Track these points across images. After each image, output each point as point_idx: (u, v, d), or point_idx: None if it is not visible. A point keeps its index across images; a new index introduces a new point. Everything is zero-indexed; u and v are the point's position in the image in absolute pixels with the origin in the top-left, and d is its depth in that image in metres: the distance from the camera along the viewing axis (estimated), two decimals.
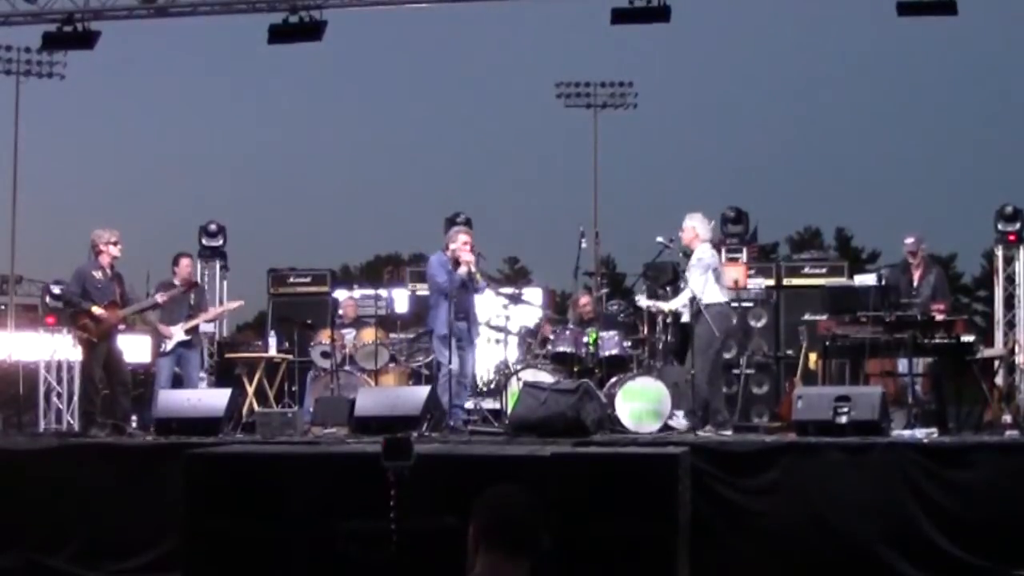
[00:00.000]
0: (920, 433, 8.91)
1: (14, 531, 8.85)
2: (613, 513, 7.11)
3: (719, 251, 13.57)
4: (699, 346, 9.72)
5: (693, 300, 9.70)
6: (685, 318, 10.43)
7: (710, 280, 9.69)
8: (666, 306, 10.46)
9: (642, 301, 10.80)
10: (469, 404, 10.56)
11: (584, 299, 12.42)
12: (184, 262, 11.74)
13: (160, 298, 11.04)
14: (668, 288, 11.35)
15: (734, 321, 9.76)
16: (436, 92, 63.01)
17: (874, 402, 8.64)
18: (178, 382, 11.49)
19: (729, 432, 9.52)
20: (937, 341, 9.86)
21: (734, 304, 12.59)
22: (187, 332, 11.46)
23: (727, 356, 12.51)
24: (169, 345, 11.42)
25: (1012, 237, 13.43)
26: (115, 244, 10.49)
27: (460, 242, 10.40)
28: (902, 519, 7.95)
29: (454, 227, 11.25)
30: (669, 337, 10.96)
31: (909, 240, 11.10)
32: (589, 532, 7.04)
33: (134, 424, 10.82)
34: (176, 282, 11.52)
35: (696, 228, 9.94)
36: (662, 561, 7.12)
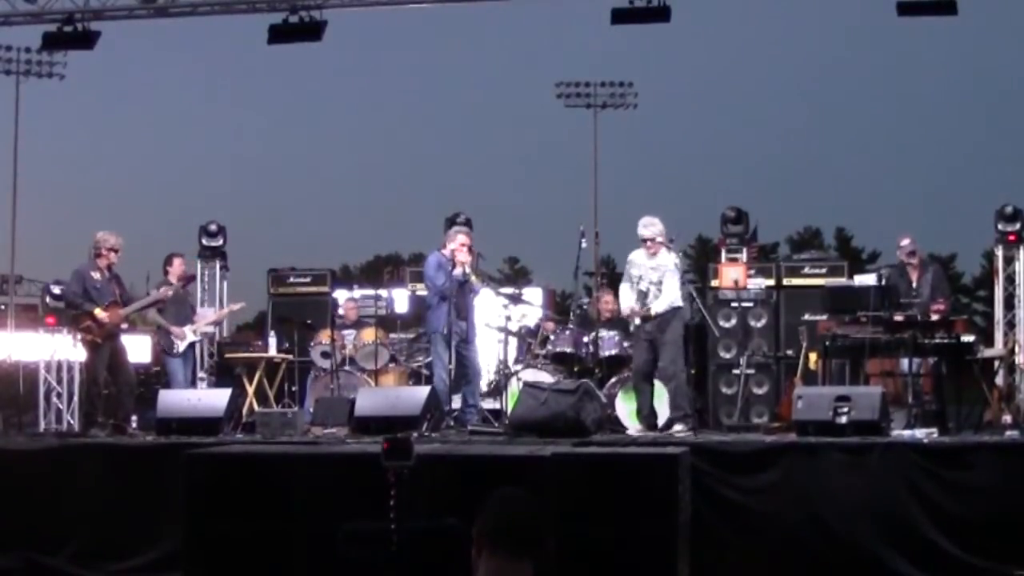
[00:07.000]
0: (920, 433, 8.90)
1: (14, 531, 8.84)
2: (613, 513, 7.11)
3: (718, 252, 13.67)
4: (674, 341, 9.85)
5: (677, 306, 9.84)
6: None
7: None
8: (654, 309, 10.45)
9: (627, 305, 10.73)
10: None
11: (608, 297, 12.35)
12: (177, 261, 11.92)
13: (160, 293, 11.08)
14: None
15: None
16: (436, 92, 63.16)
17: (874, 402, 8.63)
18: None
19: (681, 427, 9.53)
20: (937, 341, 9.85)
21: (734, 304, 12.71)
22: (195, 333, 11.59)
23: (726, 356, 12.60)
24: (181, 346, 11.56)
25: (1012, 237, 13.39)
26: (116, 251, 10.54)
27: (458, 243, 10.38)
28: (902, 519, 7.94)
29: (453, 227, 11.24)
30: None
31: (905, 242, 11.08)
32: (589, 532, 7.03)
33: (135, 424, 10.83)
34: (172, 280, 11.63)
35: (659, 237, 9.92)
36: (662, 561, 7.12)
